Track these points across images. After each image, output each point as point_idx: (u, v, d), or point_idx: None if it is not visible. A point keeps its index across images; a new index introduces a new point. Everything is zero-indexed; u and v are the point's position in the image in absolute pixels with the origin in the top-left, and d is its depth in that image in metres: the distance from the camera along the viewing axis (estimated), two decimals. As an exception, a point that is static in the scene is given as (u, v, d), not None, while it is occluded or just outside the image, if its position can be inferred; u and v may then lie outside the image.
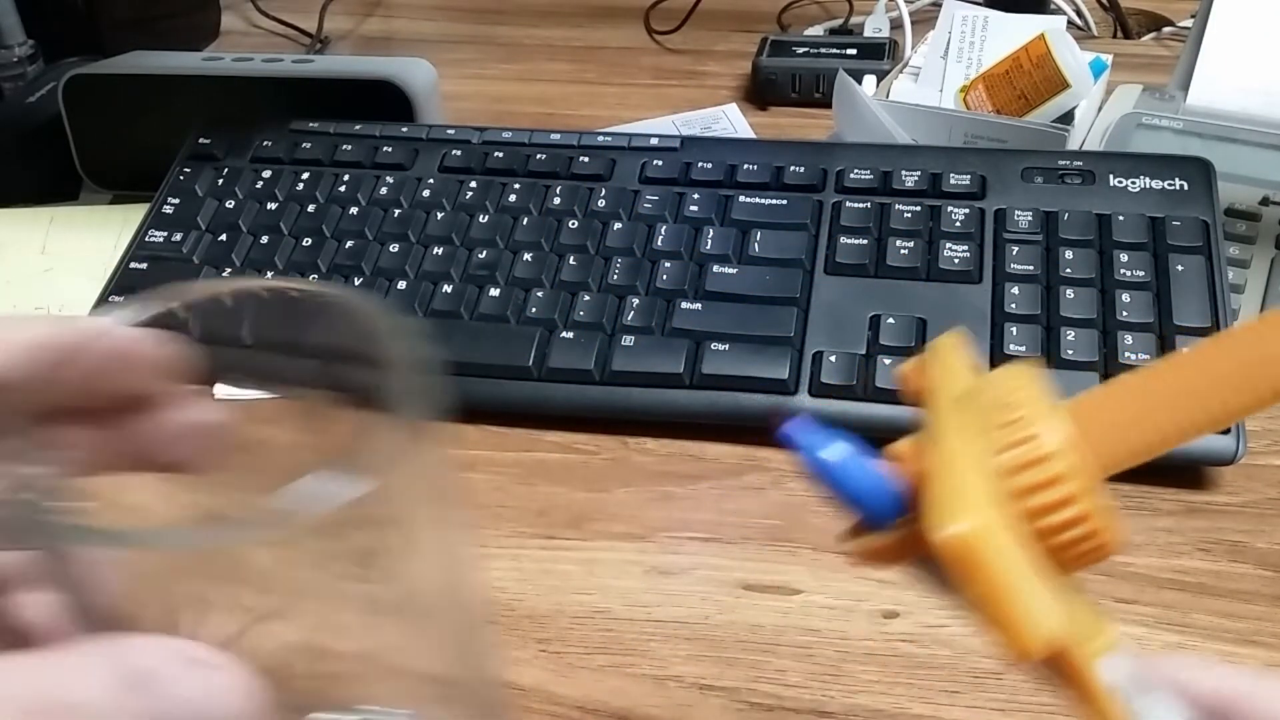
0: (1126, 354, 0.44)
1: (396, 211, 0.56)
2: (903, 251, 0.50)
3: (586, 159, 0.57)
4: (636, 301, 0.50)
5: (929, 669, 0.37)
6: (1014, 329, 0.46)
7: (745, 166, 0.55)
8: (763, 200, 0.53)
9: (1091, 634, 0.24)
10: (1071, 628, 0.22)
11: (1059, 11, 0.79)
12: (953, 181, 0.53)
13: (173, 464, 0.25)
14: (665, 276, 0.50)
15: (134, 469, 0.24)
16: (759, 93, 0.73)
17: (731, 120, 0.71)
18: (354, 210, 0.56)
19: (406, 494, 0.21)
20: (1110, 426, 0.25)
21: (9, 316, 0.23)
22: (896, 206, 0.52)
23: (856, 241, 0.51)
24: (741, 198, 0.54)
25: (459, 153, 0.58)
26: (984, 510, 0.21)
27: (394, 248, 0.53)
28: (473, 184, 0.56)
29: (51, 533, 0.19)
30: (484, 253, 0.53)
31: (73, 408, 0.23)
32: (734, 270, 0.50)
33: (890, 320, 0.47)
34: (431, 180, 0.57)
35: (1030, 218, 0.50)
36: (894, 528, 0.23)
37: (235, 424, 0.25)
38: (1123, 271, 0.48)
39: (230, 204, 0.57)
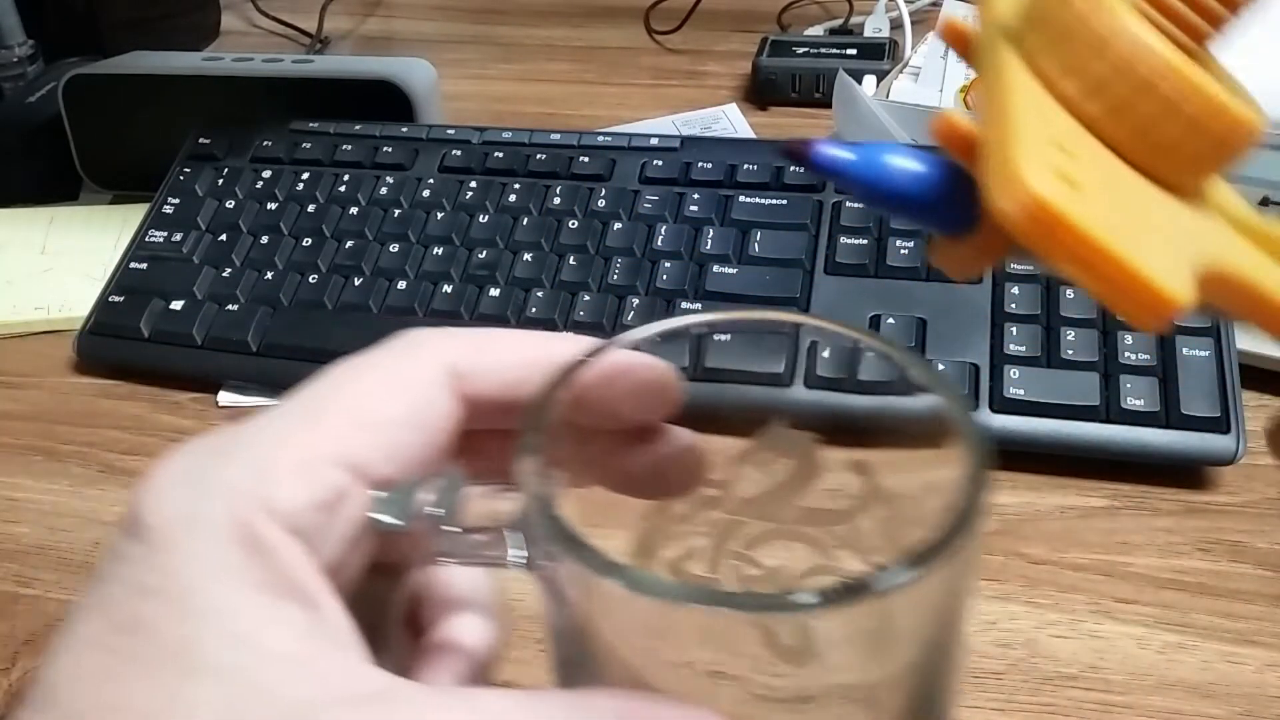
0: (1126, 354, 0.44)
1: (396, 211, 0.56)
2: (903, 251, 0.50)
3: (586, 159, 0.57)
4: (637, 302, 0.50)
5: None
6: (1014, 329, 0.46)
7: (745, 166, 0.55)
8: (763, 200, 0.53)
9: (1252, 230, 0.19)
10: (1215, 248, 0.17)
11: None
12: (953, 181, 0.53)
13: (655, 490, 0.25)
14: (665, 276, 0.50)
15: (616, 489, 0.25)
16: (759, 93, 0.73)
17: (731, 120, 0.71)
18: (354, 210, 0.56)
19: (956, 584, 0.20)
20: None
21: (538, 335, 0.24)
22: (896, 206, 0.52)
23: (856, 241, 0.51)
24: (741, 198, 0.54)
25: (459, 153, 0.58)
26: (1048, 155, 0.16)
27: (394, 248, 0.53)
28: (473, 184, 0.56)
29: (588, 561, 0.19)
30: (484, 253, 0.53)
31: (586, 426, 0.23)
32: (734, 270, 0.50)
33: (890, 320, 0.47)
34: (431, 180, 0.57)
35: (1030, 218, 0.50)
36: (969, 224, 0.19)
37: (705, 454, 0.25)
38: (1123, 271, 0.48)
39: (230, 204, 0.57)
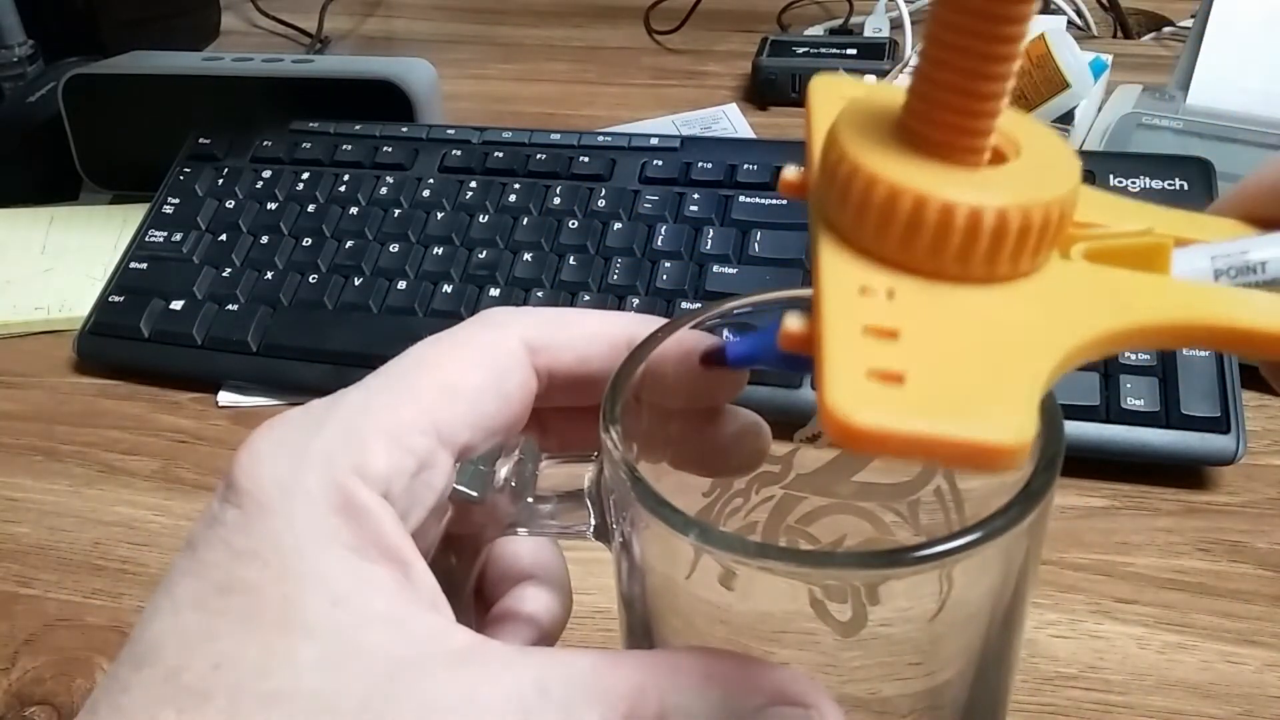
0: (1126, 354, 0.44)
1: (396, 211, 0.56)
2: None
3: (586, 159, 0.57)
4: (637, 302, 0.50)
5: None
6: (1014, 329, 0.46)
7: (745, 166, 0.55)
8: (763, 200, 0.53)
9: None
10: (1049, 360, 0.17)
11: (1059, 11, 0.79)
12: (953, 181, 0.53)
13: (719, 468, 0.26)
14: (665, 276, 0.50)
15: (681, 466, 0.25)
16: (759, 93, 0.73)
17: (731, 120, 0.71)
18: (354, 210, 0.56)
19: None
20: None
21: (611, 313, 0.24)
22: (896, 206, 0.52)
23: (856, 241, 0.51)
24: (741, 198, 0.54)
25: (459, 153, 0.58)
26: (862, 354, 0.16)
27: (394, 248, 0.53)
28: (473, 184, 0.56)
29: (668, 520, 0.20)
30: (484, 253, 0.53)
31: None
32: (734, 270, 0.50)
33: (890, 320, 0.47)
34: (431, 180, 0.57)
35: (1030, 218, 0.50)
36: None
37: (768, 432, 0.26)
38: (1123, 271, 0.48)
39: (230, 204, 0.57)
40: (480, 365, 0.22)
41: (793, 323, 0.18)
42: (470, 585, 0.26)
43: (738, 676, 0.18)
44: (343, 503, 0.19)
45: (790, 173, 0.20)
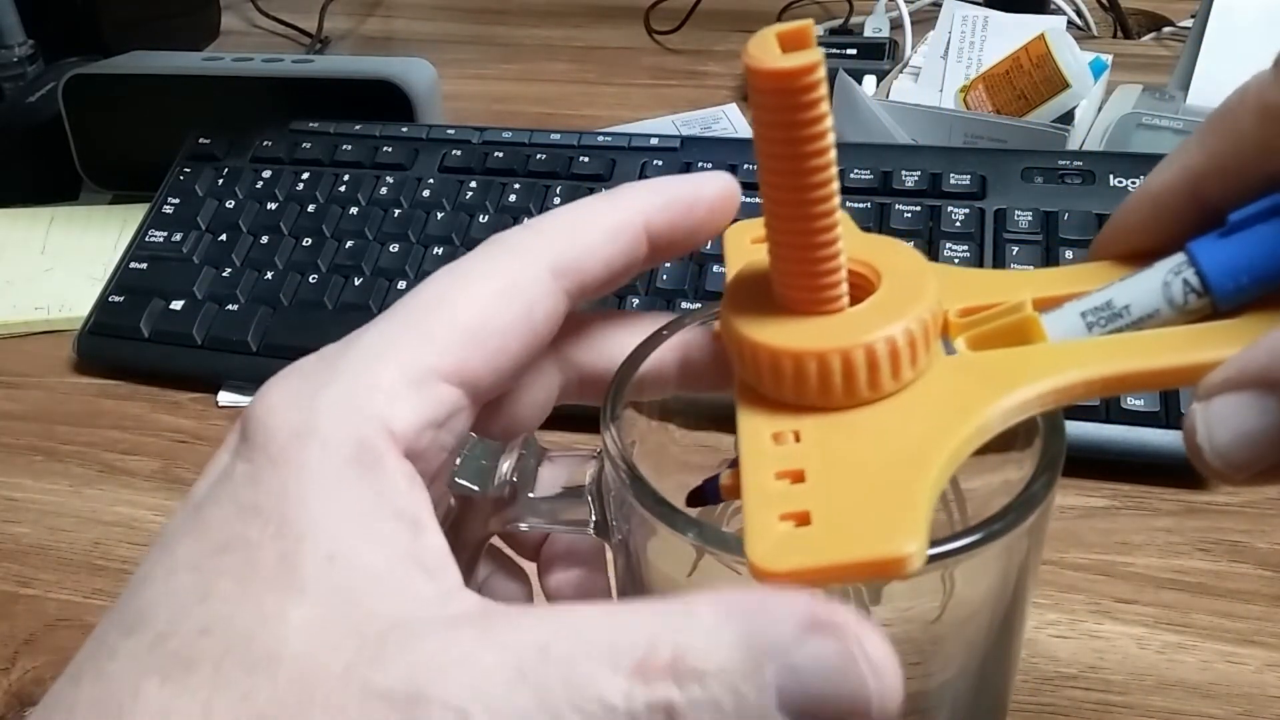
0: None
1: (396, 211, 0.56)
2: (903, 251, 0.50)
3: (586, 159, 0.57)
4: (636, 301, 0.50)
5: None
6: (1014, 329, 0.46)
7: (745, 166, 0.55)
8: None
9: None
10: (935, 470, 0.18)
11: (1059, 11, 0.79)
12: (953, 181, 0.53)
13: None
14: (665, 276, 0.50)
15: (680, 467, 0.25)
16: (759, 93, 0.73)
17: (731, 120, 0.71)
18: (354, 210, 0.56)
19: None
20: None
21: (616, 209, 0.23)
22: (897, 206, 0.52)
23: (856, 241, 0.51)
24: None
25: (459, 153, 0.58)
26: (776, 501, 0.18)
27: (394, 248, 0.53)
28: (473, 184, 0.56)
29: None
30: (484, 253, 0.53)
31: None
32: (734, 270, 0.50)
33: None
34: (431, 180, 0.57)
35: (1030, 218, 0.50)
36: None
37: None
38: (1123, 271, 0.48)
39: (230, 204, 0.57)
40: (509, 304, 0.21)
41: (725, 477, 0.22)
42: (478, 551, 0.26)
43: (758, 609, 0.16)
44: (358, 454, 0.19)
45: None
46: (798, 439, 0.19)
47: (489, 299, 0.21)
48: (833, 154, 0.18)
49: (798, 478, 0.18)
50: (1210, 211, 0.20)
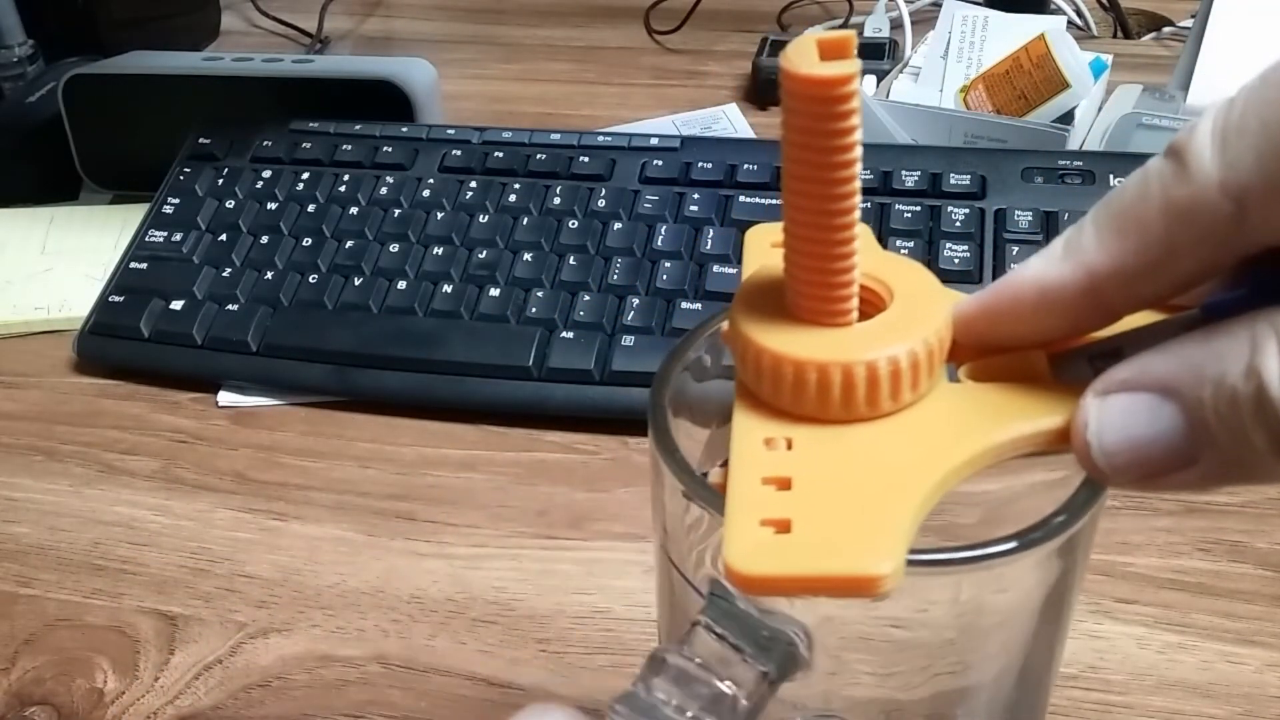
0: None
1: (396, 211, 0.56)
2: (903, 251, 0.50)
3: (586, 159, 0.57)
4: (637, 301, 0.50)
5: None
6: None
7: (745, 166, 0.55)
8: (763, 200, 0.53)
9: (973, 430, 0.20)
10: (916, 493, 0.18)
11: (1059, 11, 0.79)
12: (953, 181, 0.53)
13: None
14: (665, 276, 0.50)
15: None
16: (759, 93, 0.73)
17: (731, 120, 0.71)
18: (354, 210, 0.56)
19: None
20: None
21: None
22: (896, 206, 0.52)
23: (856, 241, 0.51)
24: (741, 198, 0.54)
25: (459, 153, 0.58)
26: (757, 504, 0.18)
27: (394, 248, 0.53)
28: (473, 184, 0.56)
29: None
30: (484, 253, 0.53)
31: None
32: (734, 270, 0.50)
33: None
34: (431, 180, 0.57)
35: (1030, 218, 0.50)
36: None
37: None
38: (1123, 271, 0.48)
39: (230, 204, 0.57)
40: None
41: (714, 477, 0.21)
42: None
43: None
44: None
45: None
46: (789, 447, 0.19)
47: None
48: (859, 166, 0.18)
49: (784, 485, 0.19)
50: (1107, 311, 0.19)
